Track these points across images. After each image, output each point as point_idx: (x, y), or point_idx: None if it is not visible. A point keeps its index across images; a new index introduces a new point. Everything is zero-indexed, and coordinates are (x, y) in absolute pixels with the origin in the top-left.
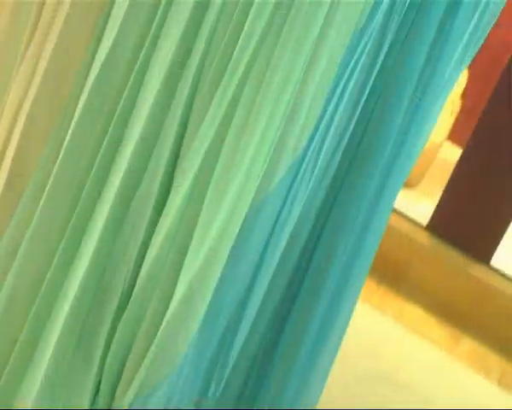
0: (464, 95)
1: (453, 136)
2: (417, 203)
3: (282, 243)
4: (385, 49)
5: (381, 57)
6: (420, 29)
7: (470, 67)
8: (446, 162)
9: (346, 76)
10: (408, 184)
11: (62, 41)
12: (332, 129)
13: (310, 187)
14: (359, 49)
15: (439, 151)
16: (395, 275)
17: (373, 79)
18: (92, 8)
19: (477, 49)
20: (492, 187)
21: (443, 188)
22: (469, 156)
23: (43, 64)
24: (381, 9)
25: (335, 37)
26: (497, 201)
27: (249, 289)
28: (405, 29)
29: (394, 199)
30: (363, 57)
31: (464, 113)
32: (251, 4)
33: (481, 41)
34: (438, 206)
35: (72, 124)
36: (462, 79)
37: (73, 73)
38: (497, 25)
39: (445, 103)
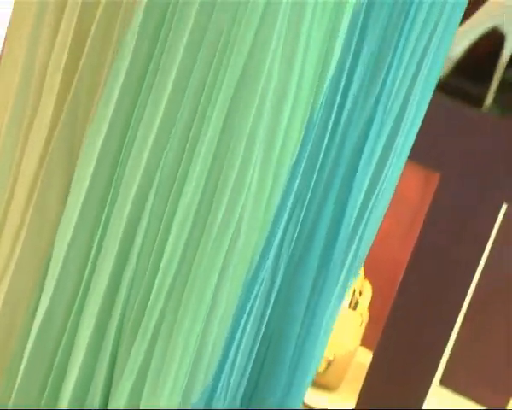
0: (370, 306)
1: (365, 341)
2: (339, 404)
3: None
4: (279, 280)
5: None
6: (305, 260)
7: (372, 283)
8: (361, 365)
9: (245, 315)
10: (329, 388)
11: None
12: (241, 346)
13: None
14: (253, 295)
15: (354, 356)
16: None
17: (266, 320)
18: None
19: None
20: (401, 380)
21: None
22: (379, 357)
23: None
24: (268, 264)
25: (230, 285)
26: (406, 391)
27: None
28: (293, 263)
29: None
30: (259, 295)
31: (372, 320)
32: (158, 268)
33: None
34: (357, 404)
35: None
36: (368, 293)
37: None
38: (389, 243)
39: (356, 316)
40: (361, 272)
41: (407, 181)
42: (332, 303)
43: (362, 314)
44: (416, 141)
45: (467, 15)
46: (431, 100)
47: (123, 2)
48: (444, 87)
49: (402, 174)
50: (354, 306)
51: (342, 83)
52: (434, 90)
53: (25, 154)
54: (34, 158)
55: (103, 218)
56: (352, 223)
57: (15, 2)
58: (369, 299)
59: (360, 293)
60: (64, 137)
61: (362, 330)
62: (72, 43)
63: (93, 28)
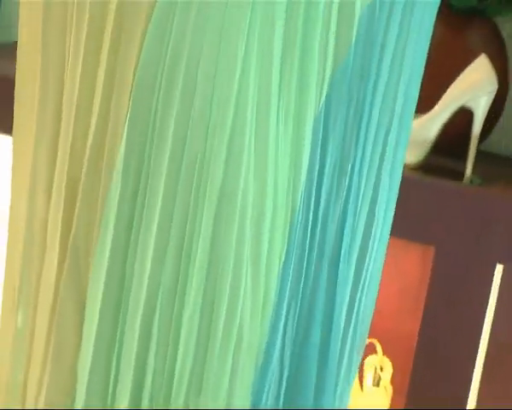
0: (392, 378)
1: None
2: None
3: None
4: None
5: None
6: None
7: (391, 358)
8: None
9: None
10: None
11: None
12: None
13: None
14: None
15: None
16: None
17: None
18: None
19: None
20: None
21: None
22: None
23: None
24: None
25: (241, 387)
26: None
27: None
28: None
29: None
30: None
31: (396, 392)
32: (171, 385)
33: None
34: None
35: None
36: (388, 367)
37: None
38: (401, 318)
39: (381, 391)
40: (379, 349)
41: (407, 257)
42: (337, 397)
43: (386, 388)
44: (408, 220)
45: (435, 99)
46: (416, 181)
47: (105, 151)
48: (425, 167)
49: (402, 251)
50: (377, 382)
51: (315, 180)
52: (418, 171)
53: (36, 316)
54: (46, 312)
55: (116, 353)
56: (344, 315)
57: (12, 171)
58: (391, 373)
59: (381, 369)
60: (71, 286)
61: (388, 402)
62: (66, 197)
63: (81, 182)
